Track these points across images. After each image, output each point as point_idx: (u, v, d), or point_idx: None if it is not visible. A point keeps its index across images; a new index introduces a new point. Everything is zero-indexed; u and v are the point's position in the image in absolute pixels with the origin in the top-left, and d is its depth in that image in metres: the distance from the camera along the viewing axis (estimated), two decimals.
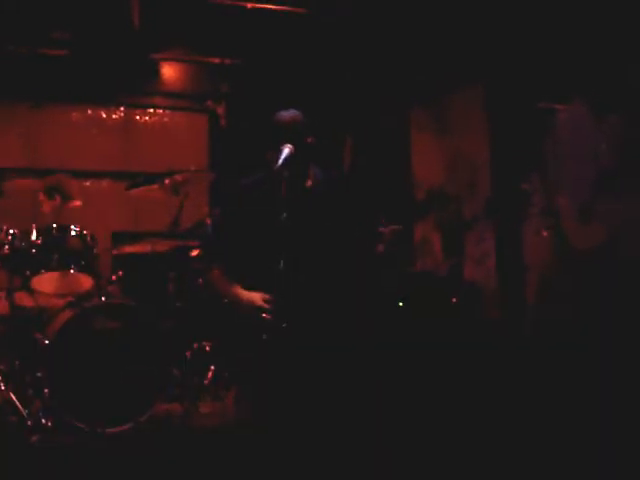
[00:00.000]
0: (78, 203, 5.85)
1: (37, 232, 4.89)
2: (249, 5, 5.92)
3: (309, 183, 3.59)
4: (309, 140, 3.45)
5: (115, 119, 7.26)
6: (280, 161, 3.24)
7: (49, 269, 4.91)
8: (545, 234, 4.64)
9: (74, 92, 6.89)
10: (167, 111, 7.43)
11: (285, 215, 3.24)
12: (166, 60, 7.21)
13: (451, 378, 4.54)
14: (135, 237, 5.86)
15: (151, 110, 7.39)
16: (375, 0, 6.14)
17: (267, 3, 6.02)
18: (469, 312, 4.91)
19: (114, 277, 5.42)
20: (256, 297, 3.32)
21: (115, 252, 5.87)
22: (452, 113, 6.16)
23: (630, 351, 3.91)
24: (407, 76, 6.45)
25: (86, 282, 5.08)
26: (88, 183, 6.98)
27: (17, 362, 4.76)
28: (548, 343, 4.60)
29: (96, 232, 5.48)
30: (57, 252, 4.90)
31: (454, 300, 4.65)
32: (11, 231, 4.88)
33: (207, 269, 3.60)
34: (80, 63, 6.71)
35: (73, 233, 5.02)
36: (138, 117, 7.33)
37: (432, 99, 6.35)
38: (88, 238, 5.05)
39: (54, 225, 4.96)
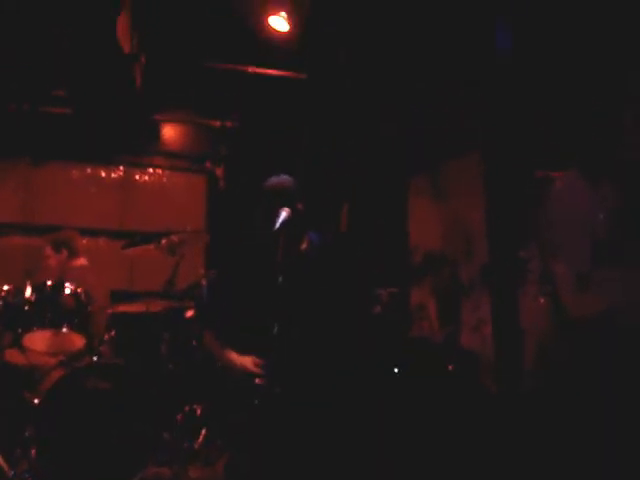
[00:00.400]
0: (84, 261, 5.85)
1: (31, 289, 4.86)
2: (250, 69, 6.00)
3: (303, 246, 3.62)
4: (299, 206, 3.47)
5: (114, 178, 7.30)
6: (278, 224, 3.26)
7: (41, 327, 4.86)
8: (542, 301, 4.61)
9: (74, 150, 6.95)
10: (166, 171, 7.49)
11: (281, 279, 3.23)
12: (166, 121, 7.31)
13: (446, 444, 4.47)
14: (131, 296, 5.83)
15: (150, 170, 7.43)
16: (375, 68, 6.22)
17: (268, 68, 6.09)
18: (465, 380, 4.85)
19: (107, 336, 5.35)
20: (248, 361, 3.32)
21: (110, 311, 5.81)
22: (450, 180, 6.20)
23: (630, 421, 3.86)
24: (406, 142, 6.51)
25: (78, 341, 5.02)
26: (85, 241, 6.96)
27: (5, 421, 4.67)
28: (545, 411, 4.54)
29: (94, 290, 5.56)
30: (50, 310, 4.87)
31: (450, 367, 4.60)
32: (5, 287, 4.86)
33: (200, 331, 3.58)
34: (81, 121, 6.77)
35: (67, 291, 4.99)
36: (137, 176, 7.38)
37: (431, 166, 6.40)
38: (82, 296, 5.01)
39: (48, 282, 4.93)
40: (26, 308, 4.82)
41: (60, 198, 7.00)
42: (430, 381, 4.62)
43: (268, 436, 3.26)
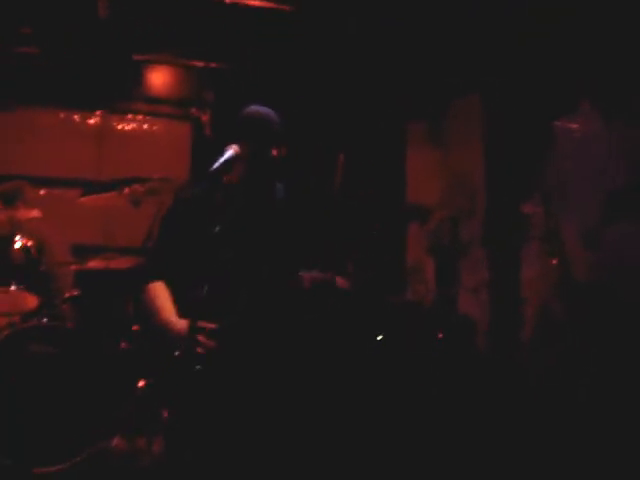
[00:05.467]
0: (37, 212, 5.33)
1: None
2: (228, 1, 5.37)
3: (270, 195, 3.07)
4: (275, 152, 2.91)
5: (89, 124, 6.74)
6: (217, 163, 2.70)
7: None
8: (546, 261, 4.07)
9: (45, 94, 6.38)
10: (147, 117, 6.91)
11: (219, 228, 2.68)
12: (146, 62, 6.71)
13: (433, 419, 3.97)
14: (99, 252, 5.32)
15: (129, 116, 6.86)
16: (368, 6, 5.58)
17: None
18: (457, 348, 4.31)
19: (67, 295, 4.85)
20: (183, 326, 2.75)
21: (74, 268, 5.30)
22: (449, 127, 5.61)
23: (632, 392, 3.35)
24: (403, 87, 5.90)
25: (31, 300, 4.53)
26: (57, 192, 6.44)
27: None
28: (544, 381, 4.03)
29: (52, 245, 5.05)
30: None
31: (440, 334, 4.06)
32: None
33: (141, 286, 3.02)
34: (51, 62, 6.21)
35: (17, 245, 4.49)
36: (115, 123, 6.81)
37: (429, 111, 5.79)
38: (33, 251, 4.51)
39: None
40: None
41: (30, 146, 6.44)
42: (416, 349, 4.09)
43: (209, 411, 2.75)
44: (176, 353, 2.69)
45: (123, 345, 4.55)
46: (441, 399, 4.02)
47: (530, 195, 4.38)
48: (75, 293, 4.87)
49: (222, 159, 2.73)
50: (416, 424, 3.88)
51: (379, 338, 4.05)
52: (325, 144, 6.33)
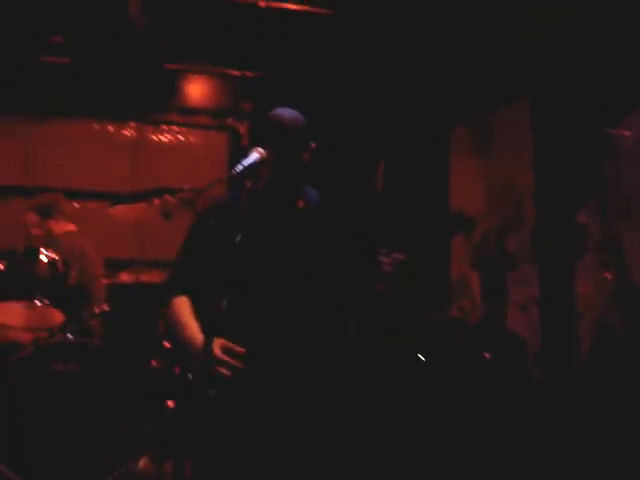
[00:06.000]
0: (72, 226, 5.19)
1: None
2: (261, 3, 5.16)
3: (301, 204, 2.83)
4: (304, 155, 2.73)
5: (124, 136, 6.60)
6: (240, 166, 2.47)
7: (11, 299, 4.21)
8: (604, 274, 3.76)
9: (78, 105, 6.26)
10: (183, 128, 6.75)
11: (240, 238, 2.45)
12: (181, 72, 6.56)
13: (483, 446, 3.67)
14: (132, 265, 5.15)
15: (165, 127, 6.70)
16: (411, 7, 5.33)
17: (282, 2, 5.25)
18: (509, 369, 4.00)
19: (97, 311, 4.68)
20: (214, 345, 2.53)
21: (106, 282, 5.14)
22: (495, 134, 5.32)
23: None
24: (447, 93, 5.63)
25: (57, 316, 4.35)
26: (90, 205, 6.31)
27: None
28: (605, 401, 3.71)
29: (86, 259, 4.93)
30: (22, 280, 4.20)
31: (487, 355, 3.76)
32: None
33: (166, 301, 2.82)
34: (85, 72, 6.08)
35: (43, 259, 4.32)
36: (150, 134, 6.66)
37: (474, 118, 5.51)
38: (59, 265, 4.33)
39: (20, 249, 4.28)
40: None
41: (64, 158, 6.32)
42: (461, 371, 3.79)
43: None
44: (189, 375, 2.49)
45: (153, 363, 4.36)
46: (490, 424, 3.72)
47: (584, 204, 4.07)
48: (105, 308, 4.71)
49: (246, 162, 2.50)
50: (463, 451, 3.59)
51: (420, 358, 3.77)
52: (366, 151, 6.11)
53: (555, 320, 4.19)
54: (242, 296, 2.61)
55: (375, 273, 2.86)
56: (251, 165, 2.51)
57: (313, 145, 2.76)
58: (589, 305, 4.03)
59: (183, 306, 2.74)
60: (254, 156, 2.54)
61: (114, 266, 5.31)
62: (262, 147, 2.58)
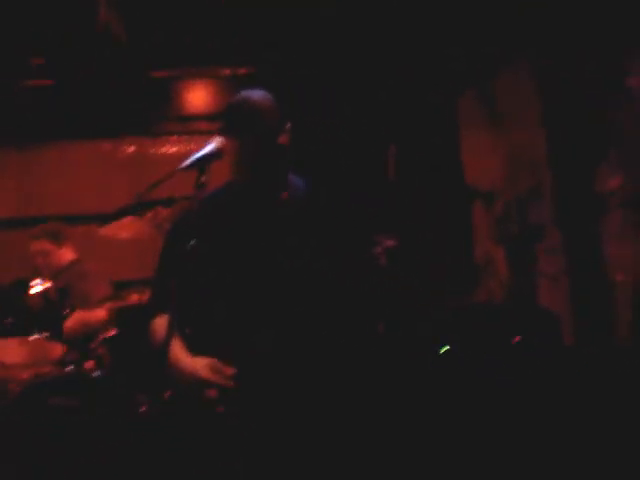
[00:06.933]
0: (75, 254, 4.95)
1: None
2: None
3: (284, 196, 2.52)
4: (277, 138, 2.43)
5: (122, 152, 6.35)
6: (189, 160, 2.20)
7: (6, 335, 3.99)
8: (633, 231, 3.38)
9: (69, 127, 6.02)
10: (182, 137, 6.46)
11: (195, 241, 2.15)
12: (171, 78, 6.27)
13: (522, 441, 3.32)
14: (136, 285, 4.89)
15: (163, 137, 6.43)
16: None
17: None
18: (539, 355, 3.63)
19: (102, 337, 4.42)
20: (202, 366, 2.24)
21: (111, 306, 4.88)
22: (500, 100, 4.94)
23: None
24: (449, 59, 5.25)
25: (55, 349, 4.11)
26: (92, 228, 6.07)
27: None
28: None
29: (94, 285, 4.65)
30: (13, 314, 3.98)
31: (516, 339, 3.40)
32: None
33: (147, 321, 2.56)
34: (71, 91, 5.85)
35: (34, 290, 4.08)
36: (147, 148, 6.39)
37: (479, 83, 5.13)
38: (52, 295, 4.09)
39: (7, 283, 4.06)
40: None
41: (61, 183, 6.09)
42: (492, 358, 3.44)
43: None
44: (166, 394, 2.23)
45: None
46: (527, 411, 3.37)
47: (603, 159, 3.69)
48: (112, 333, 4.45)
49: (198, 155, 2.23)
50: (500, 448, 3.25)
51: (444, 350, 3.43)
52: (373, 136, 5.78)
53: (588, 288, 3.82)
54: (229, 303, 2.35)
55: (370, 265, 2.52)
56: (204, 157, 2.25)
57: (288, 125, 2.46)
58: (624, 268, 3.64)
59: (162, 326, 2.47)
60: (209, 147, 2.28)
61: (120, 288, 5.06)
62: (226, 135, 2.32)
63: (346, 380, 2.41)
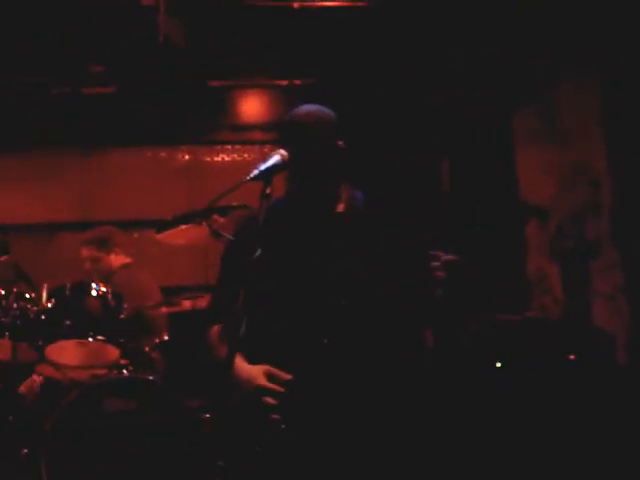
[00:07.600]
0: (128, 259, 5.04)
1: (48, 294, 4.09)
2: (295, 4, 4.88)
3: (340, 207, 2.53)
4: (332, 153, 2.44)
5: (177, 160, 6.45)
6: (255, 171, 2.22)
7: (63, 337, 4.06)
8: None
9: (128, 133, 6.15)
10: (237, 146, 6.54)
11: (260, 252, 2.18)
12: (229, 88, 6.35)
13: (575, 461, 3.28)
14: (190, 291, 4.97)
15: (219, 147, 6.51)
16: None
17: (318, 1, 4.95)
18: (599, 367, 3.59)
19: (157, 341, 4.49)
20: (258, 373, 2.27)
21: (166, 311, 4.95)
22: (559, 115, 4.88)
23: None
24: (507, 74, 5.22)
25: (112, 352, 4.19)
26: (147, 234, 6.17)
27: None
28: None
29: (146, 291, 4.83)
30: (72, 317, 4.06)
31: (571, 357, 3.37)
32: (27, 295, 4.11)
33: (205, 328, 2.60)
34: (131, 99, 5.97)
35: (93, 293, 4.16)
36: (203, 156, 6.48)
37: (538, 99, 5.09)
38: (110, 299, 4.17)
39: (68, 285, 4.13)
40: (43, 317, 4.03)
41: (118, 189, 6.22)
42: (546, 376, 3.41)
43: None
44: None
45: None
46: (582, 432, 3.33)
47: None
48: (165, 338, 4.53)
49: (262, 167, 2.25)
50: (552, 465, 3.22)
51: (498, 366, 3.41)
52: (426, 151, 5.77)
53: None
54: (288, 316, 2.37)
55: (429, 280, 2.52)
56: (268, 169, 2.26)
57: (340, 143, 2.48)
58: None
59: (222, 335, 2.51)
60: (273, 159, 2.30)
61: (173, 294, 5.13)
62: (284, 148, 2.34)
63: (398, 390, 2.42)
